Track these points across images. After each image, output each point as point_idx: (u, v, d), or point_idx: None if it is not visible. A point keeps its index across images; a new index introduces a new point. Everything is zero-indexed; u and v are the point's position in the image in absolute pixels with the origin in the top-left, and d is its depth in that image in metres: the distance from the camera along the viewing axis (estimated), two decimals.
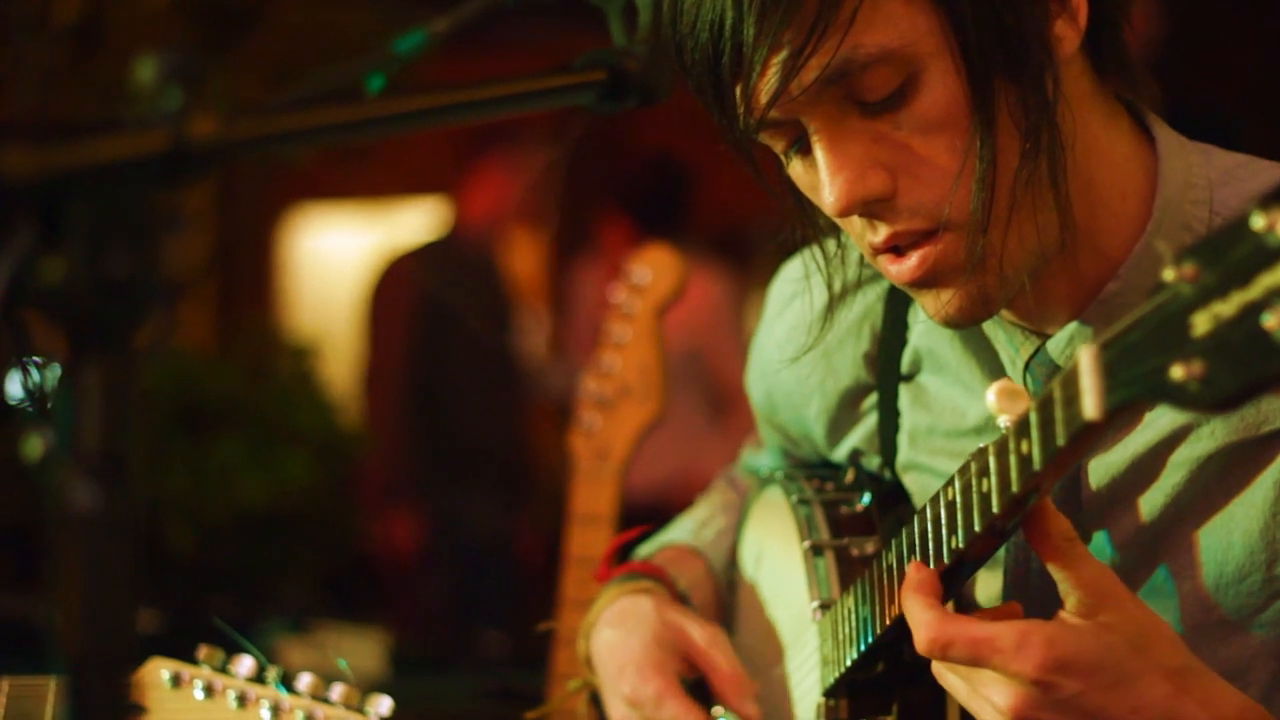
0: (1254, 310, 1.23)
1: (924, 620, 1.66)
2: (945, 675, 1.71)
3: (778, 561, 2.23)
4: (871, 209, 1.74)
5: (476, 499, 6.77)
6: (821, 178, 1.74)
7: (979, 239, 1.73)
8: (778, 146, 1.80)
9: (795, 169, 1.82)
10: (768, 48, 1.68)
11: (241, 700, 1.96)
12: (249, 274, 10.56)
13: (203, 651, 1.98)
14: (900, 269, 1.78)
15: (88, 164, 1.17)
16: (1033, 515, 1.64)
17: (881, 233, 1.76)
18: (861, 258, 1.99)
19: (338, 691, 1.94)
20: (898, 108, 1.71)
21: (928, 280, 1.77)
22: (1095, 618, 1.62)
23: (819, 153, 1.74)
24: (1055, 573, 1.65)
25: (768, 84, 1.70)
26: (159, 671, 1.99)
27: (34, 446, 1.19)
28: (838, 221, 1.84)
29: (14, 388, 1.31)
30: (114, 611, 1.18)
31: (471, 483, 6.79)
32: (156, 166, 1.20)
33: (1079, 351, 1.41)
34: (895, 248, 1.78)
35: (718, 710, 2.20)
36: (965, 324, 1.82)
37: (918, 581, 1.71)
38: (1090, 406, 1.40)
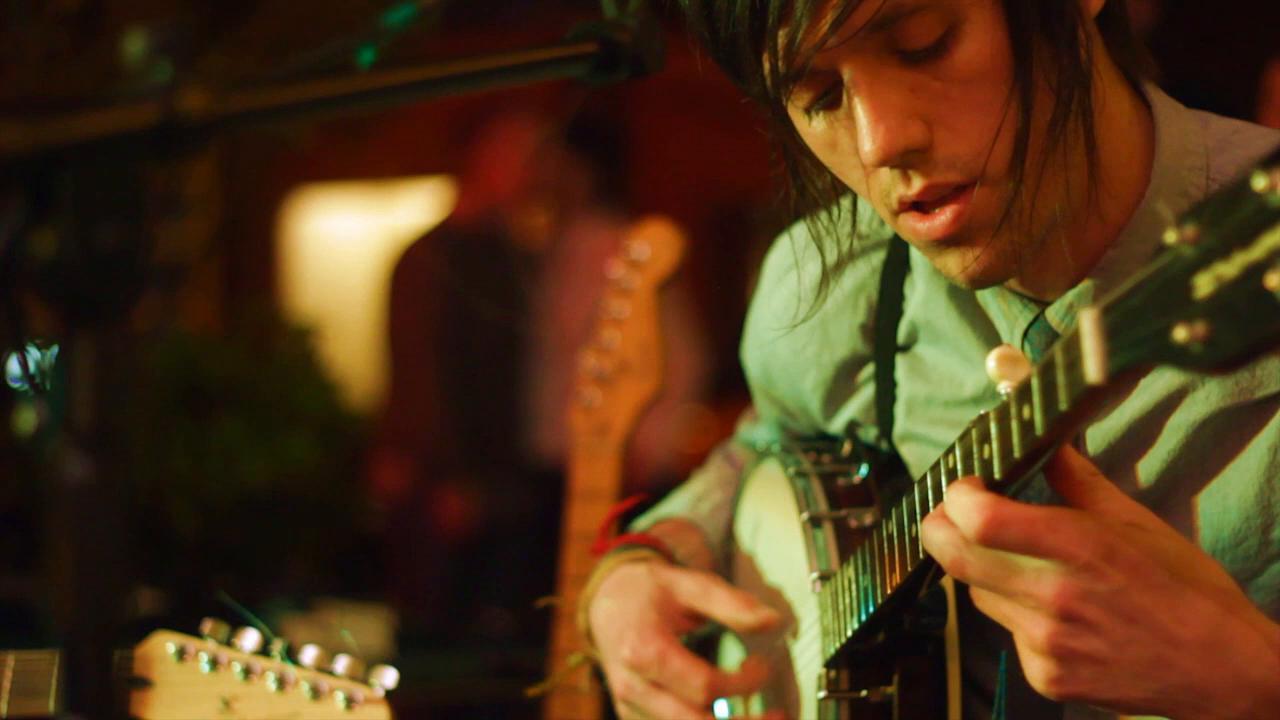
0: (1257, 270, 1.23)
1: (977, 501, 1.57)
2: (979, 593, 1.64)
3: (776, 534, 2.23)
4: (908, 160, 1.73)
5: (501, 478, 6.80)
6: (860, 127, 1.72)
7: (1014, 193, 1.73)
8: (803, 101, 1.78)
9: (816, 126, 1.80)
10: None
11: (247, 672, 1.97)
12: (252, 256, 10.56)
13: (208, 625, 1.99)
14: (931, 225, 1.77)
15: (77, 138, 1.17)
16: (1053, 460, 1.62)
17: (916, 184, 1.75)
18: (855, 228, 1.99)
19: (342, 664, 1.96)
20: (938, 57, 1.70)
21: (959, 237, 1.77)
22: None
23: (858, 102, 1.73)
24: (1087, 510, 1.61)
25: (815, 29, 1.68)
26: (164, 645, 2.00)
27: (26, 421, 1.19)
28: (855, 185, 1.83)
29: (10, 367, 1.31)
30: (108, 585, 1.19)
31: (495, 462, 6.82)
32: (147, 140, 1.20)
33: (1080, 315, 1.41)
34: (919, 205, 1.77)
35: (720, 710, 2.20)
36: (990, 282, 1.82)
37: (966, 478, 1.63)
38: (1093, 370, 1.39)
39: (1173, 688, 1.55)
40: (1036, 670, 1.59)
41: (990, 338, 1.96)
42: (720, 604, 2.11)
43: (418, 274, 6.94)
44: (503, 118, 6.88)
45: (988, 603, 1.64)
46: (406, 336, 7.04)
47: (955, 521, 1.60)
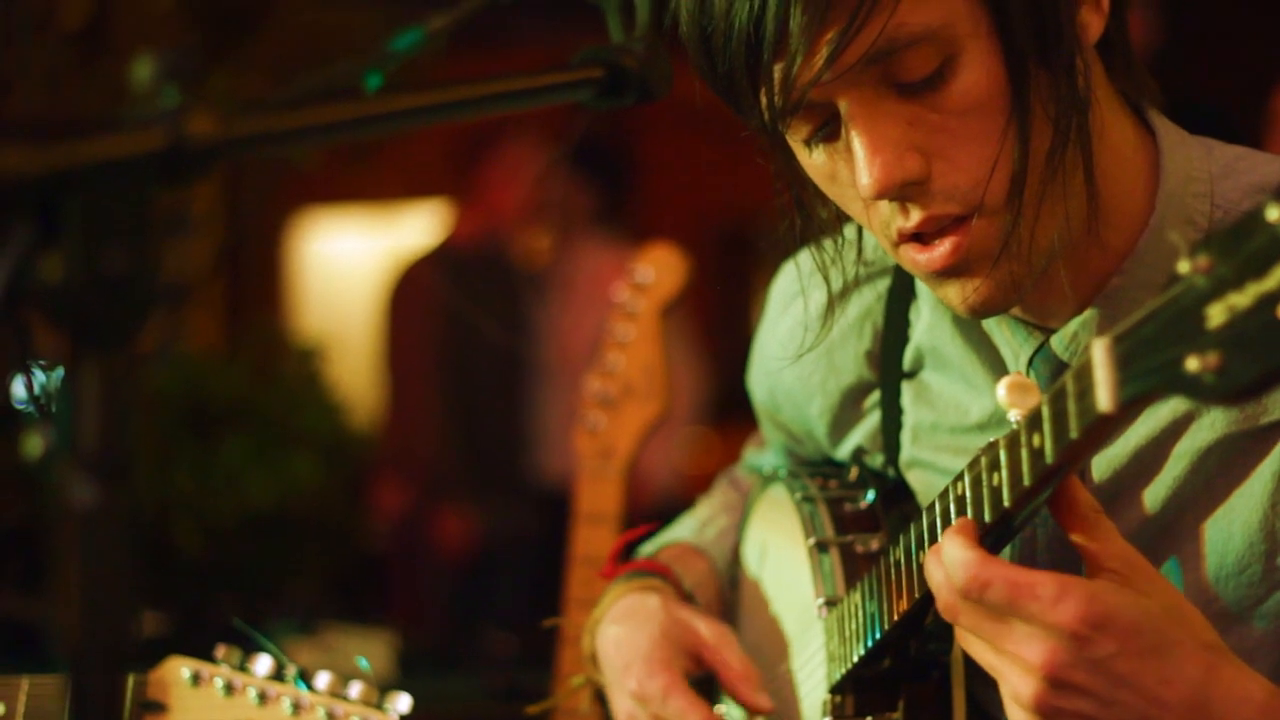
0: (1270, 301, 1.24)
1: (964, 559, 1.59)
2: (968, 638, 1.65)
3: (782, 559, 2.23)
4: (905, 192, 1.73)
5: (502, 500, 6.81)
6: (858, 160, 1.73)
7: (1013, 224, 1.73)
8: (802, 133, 1.78)
9: (816, 157, 1.80)
10: (815, 26, 1.66)
11: (262, 698, 1.97)
12: (257, 277, 10.57)
13: (221, 650, 1.99)
14: (930, 257, 1.77)
15: (86, 162, 1.17)
16: (1058, 491, 1.62)
17: (914, 217, 1.75)
18: (860, 256, 1.99)
19: (356, 689, 1.95)
20: (935, 89, 1.70)
21: (958, 268, 1.76)
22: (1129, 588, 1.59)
23: (855, 135, 1.73)
24: (1083, 546, 1.62)
25: (809, 64, 1.68)
26: (179, 669, 2.00)
27: (34, 445, 1.19)
28: (857, 216, 1.83)
29: (17, 389, 1.31)
30: (114, 608, 1.19)
31: (496, 483, 6.82)
32: (154, 164, 1.21)
33: (1092, 344, 1.41)
34: (918, 236, 1.77)
35: (720, 709, 2.20)
36: (990, 312, 1.81)
37: (960, 525, 1.65)
38: (1104, 399, 1.40)
39: None
40: None
41: (995, 365, 1.96)
42: (728, 666, 2.11)
43: (418, 294, 6.94)
44: (505, 140, 6.90)
45: (975, 649, 1.65)
46: (406, 356, 7.05)
47: (946, 571, 1.62)
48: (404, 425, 7.05)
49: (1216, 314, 1.28)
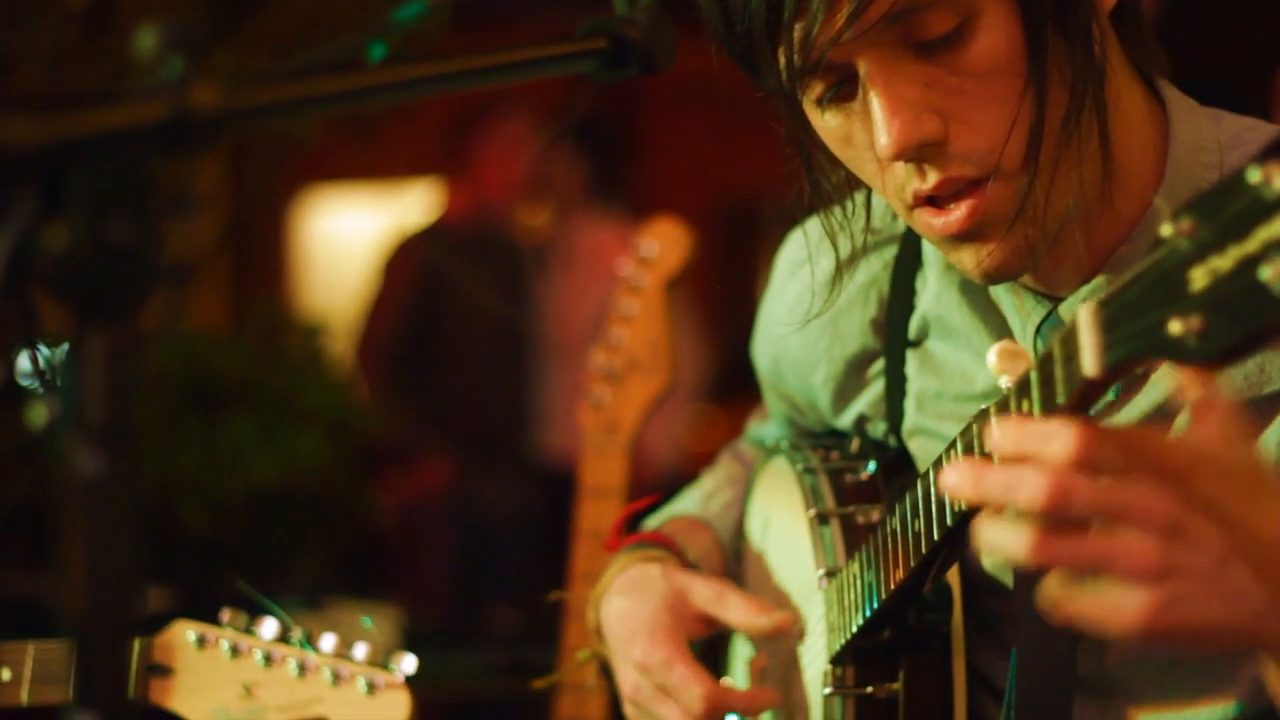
0: (1251, 263, 1.24)
1: (1066, 429, 1.40)
2: (1053, 546, 1.42)
3: (784, 531, 2.23)
4: (923, 153, 1.74)
5: (485, 473, 6.80)
6: (876, 120, 1.73)
7: (1028, 188, 1.73)
8: (815, 93, 1.79)
9: (829, 120, 1.81)
10: None
11: (268, 659, 1.98)
12: (261, 255, 10.56)
13: (227, 614, 2.01)
14: (946, 220, 1.77)
15: (89, 133, 1.18)
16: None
17: (931, 178, 1.75)
18: (868, 223, 1.99)
19: (361, 650, 1.97)
20: (953, 51, 1.71)
21: (973, 232, 1.77)
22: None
23: (874, 95, 1.73)
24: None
25: (830, 23, 1.69)
26: (185, 632, 2.01)
27: (38, 415, 1.20)
28: (870, 179, 1.83)
29: (22, 363, 1.32)
30: (118, 579, 1.19)
31: (479, 457, 6.82)
32: (158, 135, 1.21)
33: (1078, 309, 1.41)
34: (933, 200, 1.78)
35: (726, 680, 2.21)
36: (1004, 277, 1.82)
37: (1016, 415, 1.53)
38: (1089, 363, 1.40)
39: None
40: (1137, 604, 1.41)
41: (1003, 333, 1.96)
42: (734, 610, 2.11)
43: (407, 267, 6.92)
44: (498, 115, 6.88)
45: (1065, 550, 1.44)
46: (376, 320, 7.00)
47: (1037, 450, 1.44)
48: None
49: (1199, 277, 1.28)
